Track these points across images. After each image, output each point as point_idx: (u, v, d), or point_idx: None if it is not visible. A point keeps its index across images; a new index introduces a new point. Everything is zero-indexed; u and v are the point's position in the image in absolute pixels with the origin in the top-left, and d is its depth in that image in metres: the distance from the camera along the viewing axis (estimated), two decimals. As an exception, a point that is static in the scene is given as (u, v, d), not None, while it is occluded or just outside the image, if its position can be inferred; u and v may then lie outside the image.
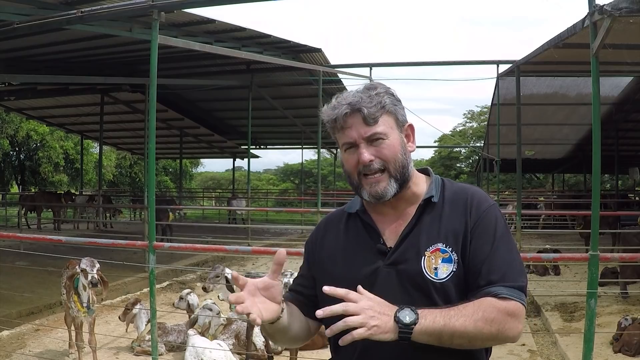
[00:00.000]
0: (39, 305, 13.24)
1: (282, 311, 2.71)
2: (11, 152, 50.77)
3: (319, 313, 2.44)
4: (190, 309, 11.44)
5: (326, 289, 2.49)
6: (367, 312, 2.42)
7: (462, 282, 2.71)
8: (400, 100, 2.90)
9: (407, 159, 2.85)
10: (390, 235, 2.84)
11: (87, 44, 17.82)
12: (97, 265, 9.25)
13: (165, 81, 21.38)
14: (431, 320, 2.48)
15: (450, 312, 2.53)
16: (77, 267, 9.38)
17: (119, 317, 11.14)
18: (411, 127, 2.93)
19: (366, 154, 2.76)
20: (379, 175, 2.79)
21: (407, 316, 2.45)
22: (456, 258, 2.71)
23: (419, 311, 2.48)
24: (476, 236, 2.75)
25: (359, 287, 2.53)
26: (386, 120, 2.79)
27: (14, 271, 15.21)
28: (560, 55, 14.38)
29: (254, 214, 36.58)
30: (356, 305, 2.43)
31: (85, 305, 9.49)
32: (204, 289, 10.41)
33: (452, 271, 2.69)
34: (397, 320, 2.45)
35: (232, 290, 10.02)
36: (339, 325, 2.41)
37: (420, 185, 2.94)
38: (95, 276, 9.14)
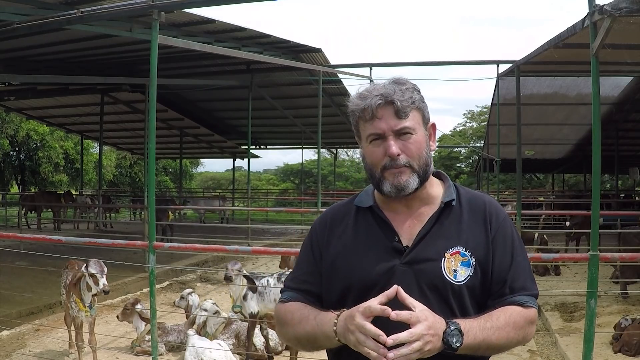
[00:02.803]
0: (39, 305, 13.17)
1: None
2: (11, 152, 50.14)
3: (389, 342, 2.35)
4: (188, 308, 11.43)
5: (393, 315, 2.40)
6: (425, 337, 2.37)
7: (476, 287, 2.72)
8: (424, 98, 2.88)
9: (430, 158, 2.83)
10: (405, 234, 2.80)
11: (87, 44, 17.72)
12: (106, 270, 9.24)
13: (165, 81, 21.23)
14: (472, 338, 2.50)
15: (486, 324, 2.57)
16: (83, 269, 9.29)
17: (117, 317, 11.10)
18: (433, 126, 2.92)
19: (395, 147, 2.71)
20: (403, 168, 2.75)
21: (454, 338, 2.44)
22: (474, 263, 2.71)
23: (463, 329, 2.49)
24: (497, 246, 2.78)
25: (414, 302, 2.48)
26: (415, 116, 2.77)
27: (14, 271, 15.12)
28: (560, 55, 14.28)
29: (254, 214, 36.04)
30: (419, 331, 2.37)
31: (87, 305, 9.47)
32: (227, 278, 10.15)
33: (469, 275, 2.69)
34: (445, 342, 2.43)
35: (254, 291, 10.15)
36: (403, 351, 2.36)
37: (435, 187, 2.93)
38: (106, 284, 9.15)
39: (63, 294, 10.32)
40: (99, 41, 17.24)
